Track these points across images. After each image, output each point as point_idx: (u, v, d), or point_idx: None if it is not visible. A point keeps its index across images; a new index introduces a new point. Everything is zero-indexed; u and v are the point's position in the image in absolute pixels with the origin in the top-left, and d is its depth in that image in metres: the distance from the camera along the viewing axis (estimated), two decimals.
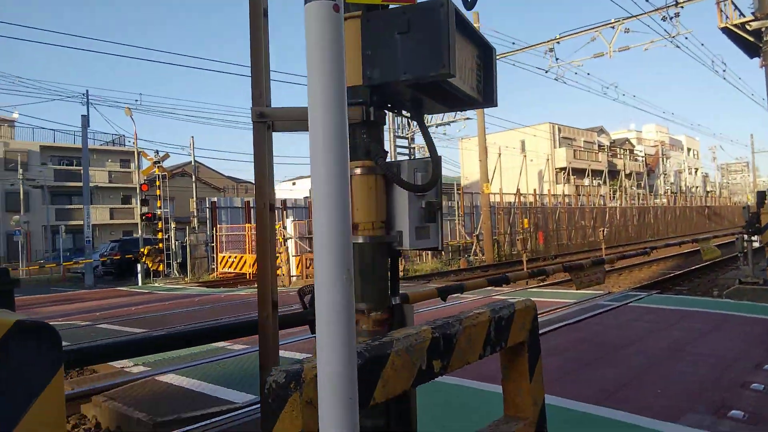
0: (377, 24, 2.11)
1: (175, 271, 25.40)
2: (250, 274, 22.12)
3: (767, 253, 10.63)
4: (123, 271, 28.89)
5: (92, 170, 40.33)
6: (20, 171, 41.92)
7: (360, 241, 2.25)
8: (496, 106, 2.63)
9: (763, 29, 11.53)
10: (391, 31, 2.07)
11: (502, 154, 43.86)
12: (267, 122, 2.22)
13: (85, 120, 26.87)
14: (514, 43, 21.90)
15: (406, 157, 33.24)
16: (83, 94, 27.48)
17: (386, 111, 2.39)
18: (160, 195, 25.34)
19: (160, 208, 25.37)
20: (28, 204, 42.63)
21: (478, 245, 25.92)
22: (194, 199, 28.03)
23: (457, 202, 28.90)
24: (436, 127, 32.96)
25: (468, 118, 31.42)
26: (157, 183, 25.52)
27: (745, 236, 10.74)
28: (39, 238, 45.07)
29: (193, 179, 29.70)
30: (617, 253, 27.36)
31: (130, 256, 28.12)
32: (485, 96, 2.58)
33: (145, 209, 25.53)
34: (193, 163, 30.94)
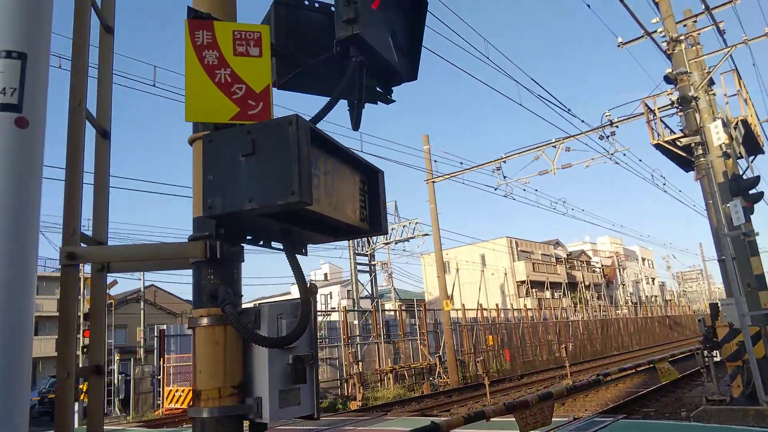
0: (220, 145, 1.76)
1: (117, 409, 23.27)
2: None
3: (729, 368, 10.24)
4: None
5: (40, 299, 38.30)
6: None
7: (204, 415, 1.74)
8: (386, 233, 2.27)
9: (692, 145, 12.07)
10: (236, 152, 1.73)
11: (462, 269, 43.98)
12: (79, 264, 1.77)
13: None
14: (462, 163, 22.57)
15: (367, 277, 32.84)
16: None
17: (245, 244, 1.98)
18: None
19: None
20: None
21: (441, 367, 24.87)
22: (141, 327, 26.53)
23: (418, 321, 28.16)
24: (395, 243, 33.03)
25: (426, 234, 31.66)
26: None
27: (705, 351, 10.40)
28: None
29: (142, 305, 28.33)
30: (582, 369, 26.62)
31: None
32: (372, 223, 2.22)
33: (87, 340, 23.87)
34: (142, 289, 29.68)
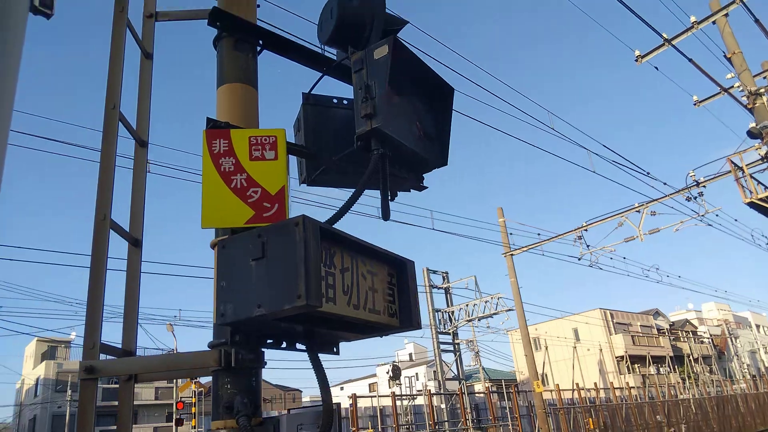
0: (232, 250, 1.76)
1: None
2: None
3: None
4: None
5: (139, 387, 39.90)
6: (69, 392, 41.85)
7: None
8: (418, 328, 2.14)
9: None
10: (246, 257, 1.71)
11: (553, 345, 41.62)
12: (97, 378, 1.77)
13: None
14: (539, 234, 21.88)
15: (452, 356, 31.76)
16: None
17: (267, 348, 1.92)
18: (195, 413, 24.37)
19: (194, 427, 24.21)
20: (73, 427, 41.70)
21: None
22: None
23: (510, 403, 26.57)
24: (478, 320, 31.96)
25: (510, 309, 30.50)
26: (193, 400, 24.73)
27: None
28: None
29: None
30: None
31: None
32: (403, 319, 2.11)
33: (181, 429, 24.40)
34: None
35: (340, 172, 2.55)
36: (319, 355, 1.99)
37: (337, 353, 2.17)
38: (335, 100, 2.76)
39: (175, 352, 28.94)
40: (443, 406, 26.86)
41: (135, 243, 2.09)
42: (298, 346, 2.03)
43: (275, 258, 1.66)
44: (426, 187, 2.67)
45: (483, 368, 37.55)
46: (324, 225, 1.77)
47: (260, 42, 2.43)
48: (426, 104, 2.60)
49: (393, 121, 2.27)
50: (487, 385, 32.22)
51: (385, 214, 2.38)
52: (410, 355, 56.47)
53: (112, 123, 1.99)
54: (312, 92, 2.70)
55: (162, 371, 1.80)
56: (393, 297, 2.11)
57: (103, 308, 1.82)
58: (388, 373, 27.75)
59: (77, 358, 48.70)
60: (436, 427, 22.46)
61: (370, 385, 53.74)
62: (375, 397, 22.66)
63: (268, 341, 1.92)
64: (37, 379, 48.35)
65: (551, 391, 28.17)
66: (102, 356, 1.82)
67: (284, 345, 1.99)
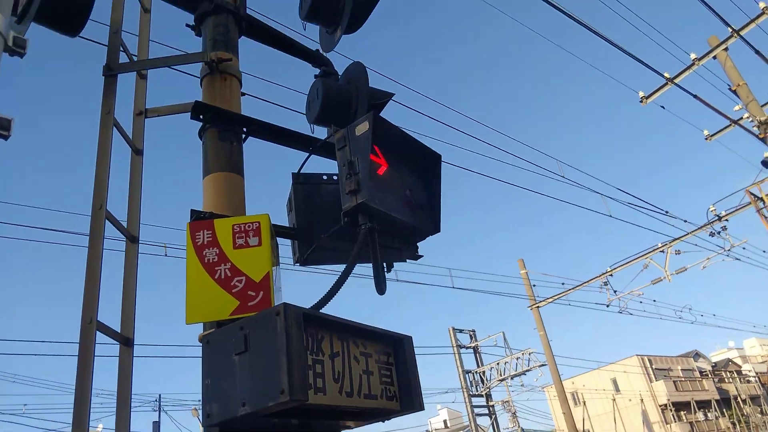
0: (216, 345, 1.71)
1: None
2: None
3: None
4: None
5: None
6: None
7: None
8: (422, 409, 2.04)
9: None
10: (230, 352, 1.66)
11: (592, 398, 39.93)
12: None
13: (157, 426, 26.88)
14: (563, 284, 21.44)
15: (487, 419, 30.57)
16: (156, 399, 27.97)
17: None
18: None
19: None
20: None
21: None
22: None
23: None
24: (511, 378, 30.86)
25: (542, 364, 29.53)
26: None
27: None
28: None
29: None
30: None
31: None
32: (404, 400, 2.02)
33: None
34: None
35: (333, 248, 2.53)
36: None
37: None
38: (325, 177, 2.77)
39: None
40: None
41: (126, 342, 2.06)
42: None
43: (258, 351, 1.60)
44: (421, 256, 2.63)
45: (522, 429, 35.95)
46: (308, 311, 1.72)
47: (244, 129, 2.48)
48: (414, 173, 2.59)
49: (379, 194, 2.26)
50: None
51: (380, 288, 2.33)
52: (444, 422, 54.48)
53: (99, 223, 2.00)
54: (301, 171, 2.72)
55: None
56: (391, 378, 2.02)
57: (90, 404, 1.77)
58: None
59: None
60: None
61: None
62: None
63: None
64: None
65: None
66: None
67: None
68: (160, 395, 28.14)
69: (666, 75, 11.79)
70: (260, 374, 1.57)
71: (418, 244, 2.61)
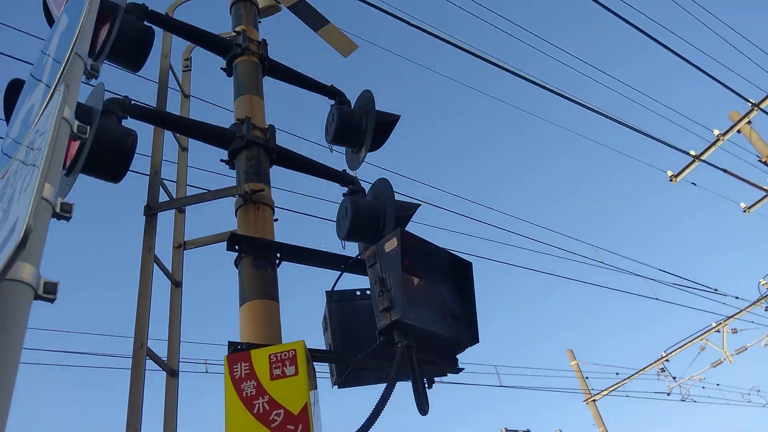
0: None
1: None
2: None
3: None
4: None
5: None
6: None
7: None
8: None
9: None
10: None
11: None
12: None
13: None
14: (618, 373, 20.28)
15: None
16: None
17: None
18: None
19: None
20: None
21: None
22: None
23: None
24: None
25: None
26: None
27: None
28: None
29: None
30: None
31: None
32: None
33: None
34: None
35: (371, 368, 2.51)
36: None
37: None
38: (358, 292, 2.80)
39: None
40: None
41: (172, 373, 2.04)
42: None
43: None
44: (462, 369, 2.57)
45: None
46: None
47: (278, 255, 2.57)
48: (447, 284, 2.61)
49: (413, 310, 2.27)
50: None
51: (422, 409, 2.27)
52: None
53: (140, 360, 2.05)
54: (335, 289, 2.76)
55: None
56: None
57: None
58: None
59: None
60: None
61: None
62: None
63: None
64: None
65: None
66: None
67: None
68: None
69: (692, 153, 11.81)
70: None
71: (457, 356, 2.57)
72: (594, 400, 21.29)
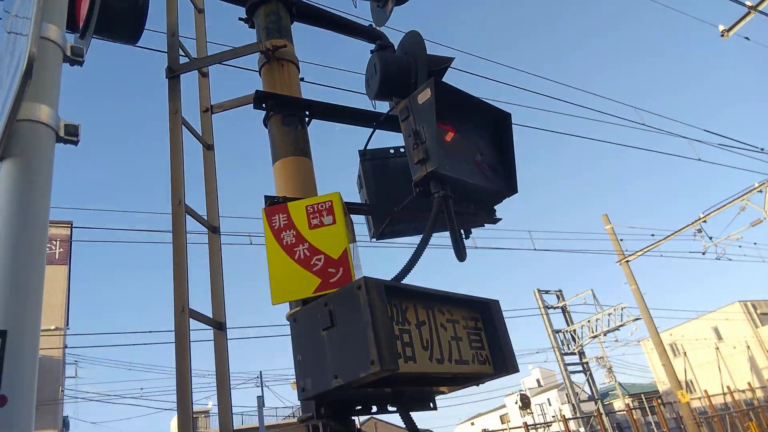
0: (303, 322, 1.76)
1: None
2: None
3: None
4: None
5: None
6: None
7: None
8: (517, 371, 2.02)
9: None
10: (317, 328, 1.71)
11: (694, 349, 38.20)
12: None
13: (261, 400, 28.46)
14: (653, 235, 20.41)
15: (583, 376, 29.94)
16: (257, 376, 29.60)
17: (357, 415, 1.89)
18: None
19: None
20: None
21: None
22: None
23: (655, 417, 24.51)
24: (604, 334, 30.01)
25: (637, 318, 28.53)
26: None
27: None
28: None
29: None
30: None
31: None
32: (496, 363, 2.00)
33: None
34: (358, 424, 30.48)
35: (407, 220, 2.52)
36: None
37: (434, 409, 2.09)
38: (392, 150, 2.76)
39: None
40: (582, 429, 25.28)
41: (219, 327, 2.17)
42: (390, 408, 1.98)
43: (344, 325, 1.64)
44: (499, 219, 2.57)
45: (619, 384, 35.01)
46: (389, 283, 1.73)
47: (307, 113, 2.50)
48: (484, 136, 2.53)
49: (449, 161, 2.22)
50: (626, 401, 30.06)
51: (460, 255, 2.30)
52: (537, 380, 54.08)
53: (180, 218, 2.10)
54: (367, 147, 2.72)
55: None
56: (481, 342, 2.01)
57: (191, 385, 1.89)
58: (516, 403, 26.67)
59: (215, 427, 51.31)
60: None
61: (500, 417, 51.92)
62: (507, 430, 21.78)
63: (357, 407, 1.89)
64: None
65: (699, 398, 25.76)
66: None
67: (374, 409, 1.94)
68: (261, 372, 29.67)
69: (748, 3, 10.76)
70: (349, 347, 1.60)
71: (495, 207, 2.55)
72: (627, 261, 21.74)
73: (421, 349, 1.76)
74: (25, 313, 0.94)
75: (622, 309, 28.71)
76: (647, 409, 25.04)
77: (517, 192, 2.50)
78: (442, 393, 2.14)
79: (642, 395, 27.86)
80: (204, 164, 2.52)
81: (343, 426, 1.79)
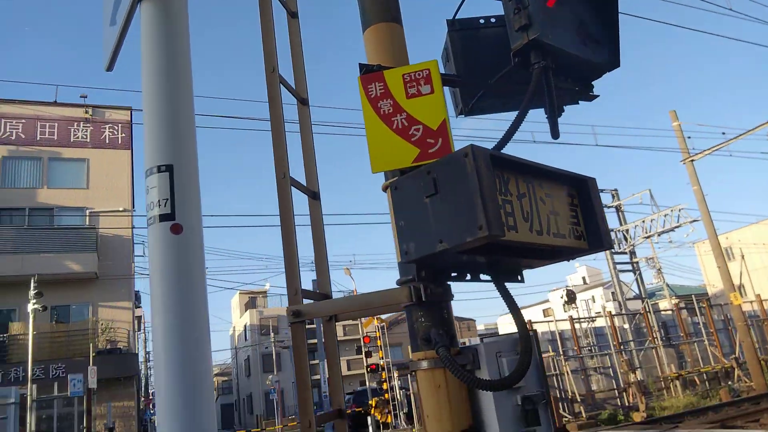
0: (405, 190, 1.77)
1: (402, 422, 25.19)
2: None
3: None
4: (357, 425, 29.60)
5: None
6: (272, 335, 47.73)
7: None
8: (609, 248, 2.00)
9: None
10: (420, 195, 1.71)
11: (750, 253, 37.35)
12: (305, 321, 1.93)
13: (316, 284, 30.12)
14: (724, 133, 19.26)
15: (631, 276, 29.94)
16: (312, 262, 31.12)
17: (452, 281, 1.94)
18: (380, 345, 26.29)
19: (382, 358, 26.18)
20: (280, 364, 47.54)
21: (740, 370, 21.21)
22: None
23: (703, 319, 24.63)
24: (658, 235, 29.59)
25: (694, 220, 27.83)
26: (377, 334, 26.65)
27: None
28: (290, 395, 49.36)
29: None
30: None
31: (360, 408, 28.88)
32: (591, 239, 1.98)
33: (369, 360, 26.57)
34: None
35: (498, 96, 2.42)
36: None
37: (522, 281, 2.12)
38: (482, 21, 2.59)
39: (355, 293, 31.22)
40: (626, 326, 25.77)
41: (313, 196, 2.21)
42: (482, 276, 2.02)
43: (449, 192, 1.63)
44: (597, 96, 2.44)
45: (667, 285, 34.96)
46: (494, 152, 1.69)
47: None
48: (586, 3, 2.33)
49: (552, 29, 2.07)
50: (674, 301, 30.15)
51: (555, 133, 2.22)
52: (583, 278, 54.66)
53: (275, 86, 2.08)
54: (456, 17, 2.56)
55: (358, 310, 1.91)
56: (577, 218, 1.98)
57: (298, 258, 1.97)
58: (562, 297, 27.17)
59: (274, 306, 55.12)
60: (621, 347, 21.63)
61: (543, 310, 53.39)
62: (552, 321, 22.42)
63: (453, 274, 1.93)
64: (245, 326, 55.58)
65: (751, 302, 25.56)
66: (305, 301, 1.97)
67: (468, 277, 1.99)
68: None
69: None
70: (455, 214, 1.61)
71: (593, 83, 2.41)
72: (692, 160, 20.81)
73: (522, 219, 1.75)
74: (182, 149, 0.97)
75: (679, 210, 27.99)
76: (696, 309, 25.09)
77: (619, 66, 2.34)
78: (531, 267, 2.16)
79: (692, 296, 27.81)
80: (289, 34, 2.44)
81: (441, 289, 1.85)
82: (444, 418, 1.74)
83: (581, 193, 2.02)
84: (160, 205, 1.20)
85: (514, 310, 1.84)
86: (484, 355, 1.78)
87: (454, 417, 1.74)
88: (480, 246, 1.63)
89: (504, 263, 1.97)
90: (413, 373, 1.85)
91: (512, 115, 2.11)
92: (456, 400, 1.76)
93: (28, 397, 15.62)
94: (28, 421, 15.58)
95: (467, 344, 1.89)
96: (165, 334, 1.23)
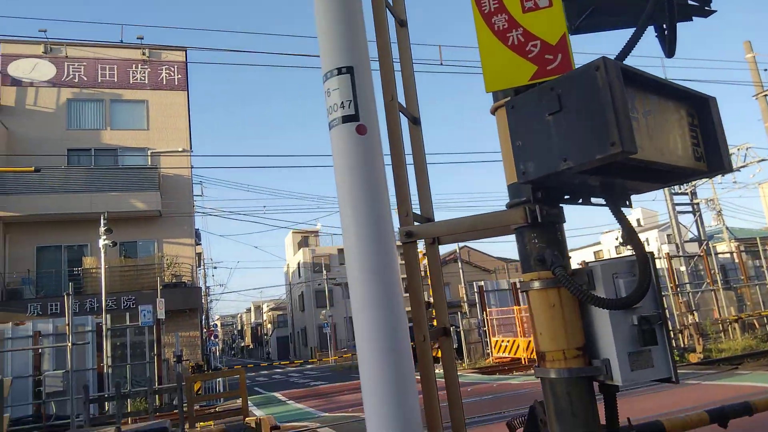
0: (523, 109, 1.72)
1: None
2: (524, 358, 21.26)
3: None
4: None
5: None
6: (324, 272, 49.25)
7: (551, 375, 1.76)
8: (730, 171, 1.92)
9: None
10: (541, 113, 1.66)
11: None
12: (416, 240, 1.96)
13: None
14: None
15: (690, 217, 28.95)
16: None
17: (565, 204, 1.91)
18: (429, 284, 26.77)
19: (431, 296, 26.71)
20: (332, 299, 49.17)
21: None
22: (462, 284, 28.78)
23: (765, 262, 23.73)
24: (721, 176, 28.23)
25: (762, 159, 26.39)
26: (426, 273, 27.10)
27: None
28: (342, 329, 51.26)
29: (459, 265, 30.72)
30: None
31: (413, 343, 29.75)
32: (711, 160, 1.90)
33: None
34: (457, 251, 32.20)
35: (609, 11, 2.30)
36: None
37: (630, 206, 2.08)
38: None
39: None
40: (683, 268, 25.16)
41: (414, 121, 2.19)
42: (594, 200, 1.98)
43: (576, 109, 1.58)
44: (714, 11, 2.28)
45: (728, 228, 33.60)
46: (625, 66, 1.62)
47: None
48: None
49: None
50: (735, 244, 29.10)
51: (671, 50, 2.10)
52: (638, 220, 53.20)
53: (381, 12, 2.03)
54: None
55: (466, 231, 1.92)
56: (697, 139, 1.90)
57: (408, 181, 1.97)
58: (617, 239, 26.61)
59: (326, 245, 56.46)
60: (678, 289, 21.20)
61: (594, 253, 52.64)
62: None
63: (566, 197, 1.91)
64: (298, 263, 57.35)
65: None
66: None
67: (581, 201, 1.95)
68: None
69: None
70: (582, 131, 1.56)
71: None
72: (765, 95, 19.49)
73: (646, 137, 1.69)
74: (361, 51, 0.98)
75: (747, 149, 26.53)
76: (760, 252, 24.16)
77: None
78: (638, 192, 2.10)
79: (757, 238, 26.72)
80: (398, 43, 2.28)
81: (556, 211, 1.83)
82: (558, 335, 1.76)
83: (701, 113, 1.92)
84: (343, 107, 1.22)
85: (631, 232, 1.81)
86: (600, 276, 1.78)
87: (569, 335, 1.76)
88: (605, 165, 1.59)
89: (618, 186, 1.93)
90: (526, 293, 1.87)
91: (613, 35, 2.01)
92: (570, 319, 1.77)
93: (104, 326, 16.78)
94: (104, 347, 16.81)
95: None
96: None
